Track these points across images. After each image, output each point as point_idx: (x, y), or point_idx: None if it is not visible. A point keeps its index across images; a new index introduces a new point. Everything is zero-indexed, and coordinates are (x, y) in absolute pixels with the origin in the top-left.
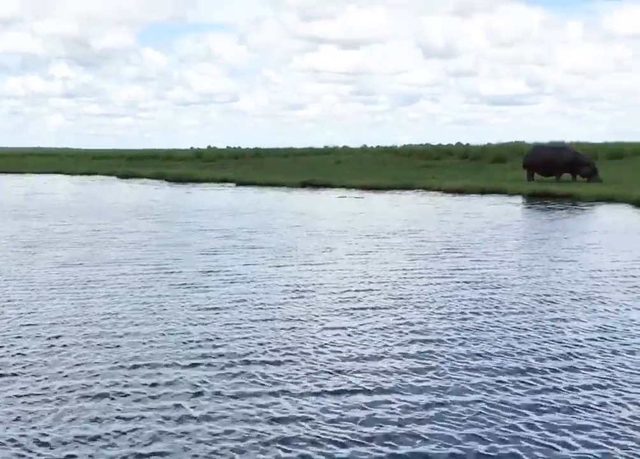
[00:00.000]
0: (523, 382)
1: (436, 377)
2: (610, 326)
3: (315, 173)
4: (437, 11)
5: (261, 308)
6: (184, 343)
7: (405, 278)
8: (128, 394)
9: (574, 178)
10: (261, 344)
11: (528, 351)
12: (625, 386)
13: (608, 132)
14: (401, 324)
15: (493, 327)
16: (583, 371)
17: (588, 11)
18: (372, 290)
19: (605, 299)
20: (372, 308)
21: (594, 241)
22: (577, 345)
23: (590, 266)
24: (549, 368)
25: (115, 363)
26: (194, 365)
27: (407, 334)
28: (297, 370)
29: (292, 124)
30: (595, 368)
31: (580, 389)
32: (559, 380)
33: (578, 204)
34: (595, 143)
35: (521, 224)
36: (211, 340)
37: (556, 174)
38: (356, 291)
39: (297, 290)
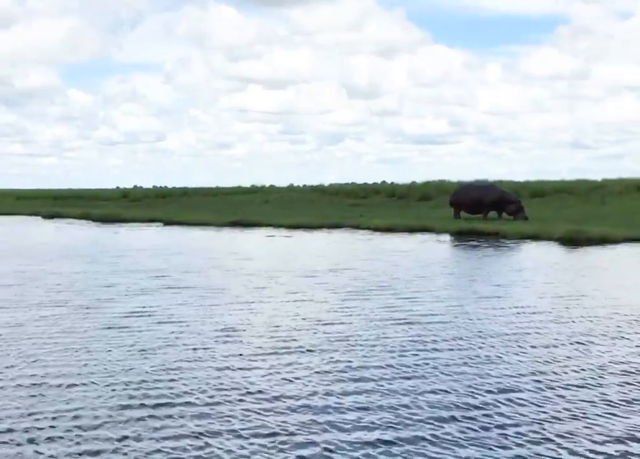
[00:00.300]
0: (458, 418)
1: (368, 415)
2: (541, 363)
3: (244, 212)
4: (361, 52)
5: (189, 350)
6: (108, 385)
7: (336, 317)
8: (47, 440)
9: (500, 216)
10: (189, 386)
11: (461, 389)
12: (558, 422)
13: (527, 171)
14: (333, 363)
15: (425, 365)
16: (516, 408)
17: (506, 53)
18: (304, 330)
19: (534, 337)
20: (304, 348)
21: (521, 279)
22: (510, 382)
23: (519, 303)
24: (484, 405)
25: (35, 407)
26: (118, 408)
27: (339, 373)
28: (226, 411)
29: (220, 163)
30: (527, 405)
31: (514, 426)
32: (494, 417)
33: (504, 241)
34: (516, 181)
35: (449, 261)
36: (136, 382)
37: (483, 213)
38: (287, 330)
39: (227, 330)
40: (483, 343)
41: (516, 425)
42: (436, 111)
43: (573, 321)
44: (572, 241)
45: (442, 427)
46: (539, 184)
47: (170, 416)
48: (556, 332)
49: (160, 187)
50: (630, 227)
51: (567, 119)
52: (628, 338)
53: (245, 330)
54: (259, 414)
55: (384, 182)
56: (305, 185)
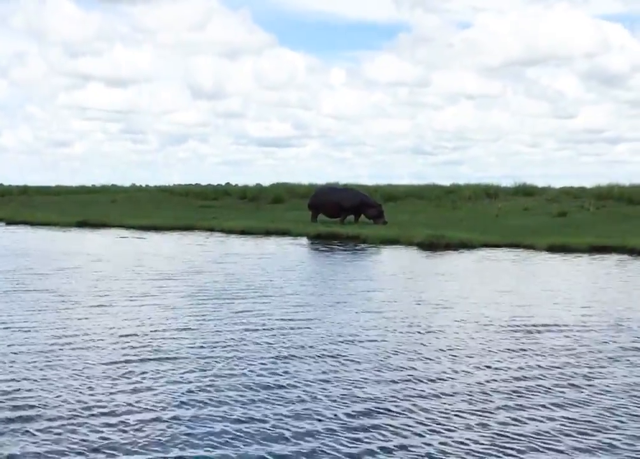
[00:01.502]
0: (323, 431)
1: (223, 428)
2: (413, 373)
3: (90, 212)
4: (205, 52)
5: (29, 359)
6: None
7: (191, 322)
8: None
9: (357, 220)
10: (27, 400)
11: (327, 401)
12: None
13: (370, 174)
14: (186, 373)
15: (285, 373)
16: (393, 423)
17: (349, 59)
18: (156, 337)
19: (403, 346)
20: (154, 356)
21: (385, 284)
22: (380, 395)
23: (384, 309)
24: (352, 419)
25: None
26: None
27: (192, 384)
28: (69, 427)
29: (58, 162)
30: (409, 429)
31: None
32: (368, 432)
33: (365, 246)
34: (362, 184)
35: (308, 265)
36: None
37: (342, 216)
38: (138, 337)
39: (71, 338)
40: (350, 353)
41: (401, 446)
42: (281, 114)
43: (440, 330)
44: (431, 246)
45: (308, 441)
46: (390, 188)
47: (5, 434)
48: (426, 342)
49: None
50: (484, 232)
51: (408, 125)
52: (494, 350)
53: (90, 338)
54: (106, 429)
55: (228, 183)
56: (147, 185)
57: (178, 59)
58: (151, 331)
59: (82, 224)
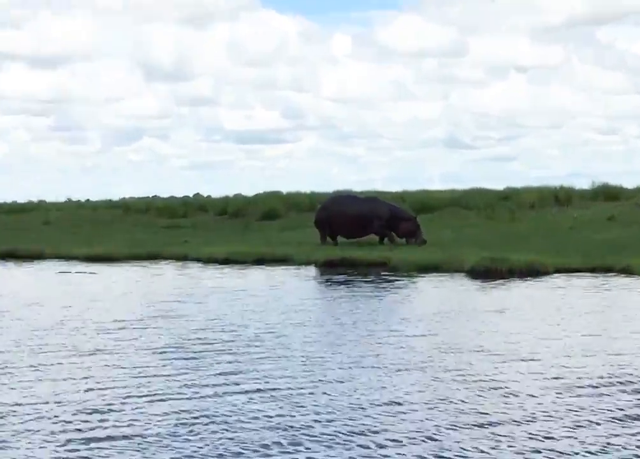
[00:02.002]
0: None
1: None
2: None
3: (18, 239)
4: (162, 19)
5: None
6: None
7: (163, 389)
8: None
9: (382, 240)
10: None
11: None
12: None
13: (389, 177)
14: None
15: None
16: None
17: (357, 21)
18: (114, 411)
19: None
20: (112, 438)
21: (422, 331)
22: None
23: (427, 364)
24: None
25: None
26: None
27: None
28: None
29: None
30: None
31: None
32: None
33: (394, 276)
34: (385, 191)
35: (318, 305)
36: None
37: (378, 235)
38: (87, 411)
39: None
40: (391, 428)
41: None
42: (267, 98)
43: (512, 390)
44: (488, 273)
45: None
46: (423, 195)
47: None
48: (494, 407)
49: None
50: (557, 251)
51: (438, 109)
52: (587, 418)
53: (23, 411)
54: None
55: (197, 194)
56: (89, 200)
57: (126, 30)
58: (105, 403)
59: (8, 255)
